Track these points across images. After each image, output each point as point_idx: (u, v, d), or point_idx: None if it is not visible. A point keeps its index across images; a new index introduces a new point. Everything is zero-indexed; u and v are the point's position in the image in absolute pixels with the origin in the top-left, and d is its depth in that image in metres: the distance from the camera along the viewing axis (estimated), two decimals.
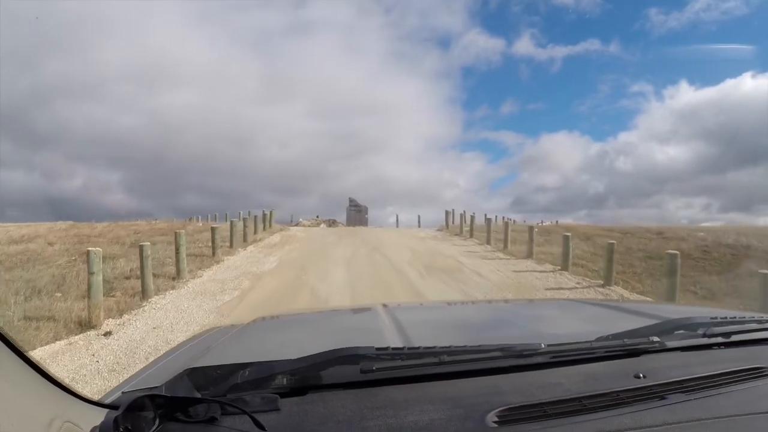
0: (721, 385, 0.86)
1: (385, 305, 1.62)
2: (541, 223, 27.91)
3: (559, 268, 10.32)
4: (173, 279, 8.94)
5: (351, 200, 37.97)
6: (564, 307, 2.04)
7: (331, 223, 32.62)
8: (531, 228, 12.61)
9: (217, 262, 11.11)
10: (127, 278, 8.73)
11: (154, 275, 8.34)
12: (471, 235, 17.00)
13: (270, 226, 21.03)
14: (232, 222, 13.48)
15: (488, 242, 15.16)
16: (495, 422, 0.73)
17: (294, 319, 1.81)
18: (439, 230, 21.52)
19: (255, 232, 16.76)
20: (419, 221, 31.18)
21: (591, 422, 0.73)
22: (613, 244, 9.07)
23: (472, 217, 19.97)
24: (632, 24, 70.74)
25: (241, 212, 22.15)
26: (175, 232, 9.74)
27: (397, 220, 31.98)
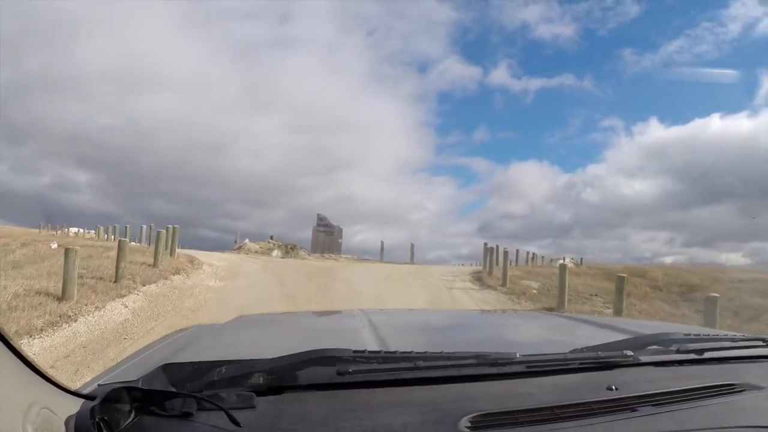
0: (693, 399, 0.85)
1: (362, 310, 1.66)
2: (564, 260, 19.60)
3: None
4: None
5: (320, 217, 27.83)
6: (538, 318, 2.31)
7: (290, 249, 22.46)
8: None
9: None
10: None
11: None
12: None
13: (166, 257, 11.27)
14: None
15: None
16: (467, 427, 0.73)
17: (274, 319, 1.94)
18: (477, 278, 12.08)
19: (72, 286, 6.75)
20: (412, 252, 21.90)
21: (562, 431, 0.72)
22: None
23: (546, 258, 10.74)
24: (606, 62, 69.58)
25: (150, 227, 15.43)
26: None
27: (382, 249, 22.51)
